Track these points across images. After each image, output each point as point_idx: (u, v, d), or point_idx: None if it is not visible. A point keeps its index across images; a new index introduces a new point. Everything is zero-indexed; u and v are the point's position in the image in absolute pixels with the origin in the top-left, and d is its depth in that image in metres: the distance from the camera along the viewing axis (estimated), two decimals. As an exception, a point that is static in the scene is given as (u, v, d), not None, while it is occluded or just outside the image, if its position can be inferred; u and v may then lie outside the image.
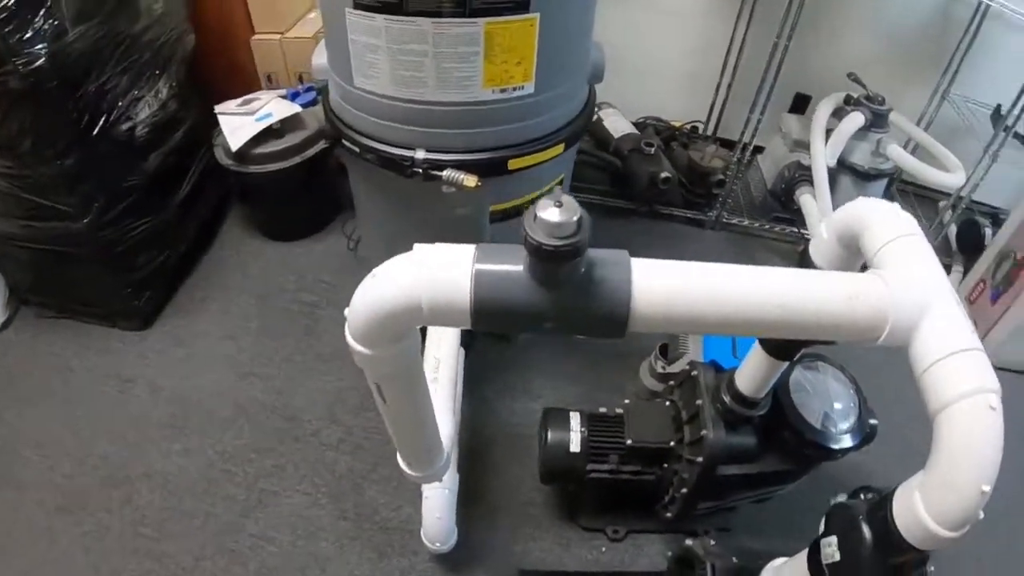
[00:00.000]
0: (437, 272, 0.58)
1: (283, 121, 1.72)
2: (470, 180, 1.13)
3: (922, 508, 0.59)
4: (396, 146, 1.18)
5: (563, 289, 0.56)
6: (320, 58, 1.29)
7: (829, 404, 1.09)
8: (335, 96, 1.29)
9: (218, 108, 1.76)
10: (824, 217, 1.75)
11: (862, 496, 0.72)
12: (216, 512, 1.30)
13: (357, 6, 1.04)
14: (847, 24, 2.08)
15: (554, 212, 0.52)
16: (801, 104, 2.21)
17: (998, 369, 0.57)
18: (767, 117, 1.87)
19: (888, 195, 2.17)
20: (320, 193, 1.90)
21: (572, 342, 1.64)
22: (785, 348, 0.92)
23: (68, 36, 1.27)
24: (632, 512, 1.32)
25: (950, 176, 1.76)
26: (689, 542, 1.13)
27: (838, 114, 1.85)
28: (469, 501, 1.29)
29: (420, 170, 1.16)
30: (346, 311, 0.63)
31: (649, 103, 2.32)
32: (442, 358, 1.24)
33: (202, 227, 1.85)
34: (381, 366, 0.66)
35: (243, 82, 1.92)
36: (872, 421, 1.09)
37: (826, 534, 0.73)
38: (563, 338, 1.65)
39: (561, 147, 1.26)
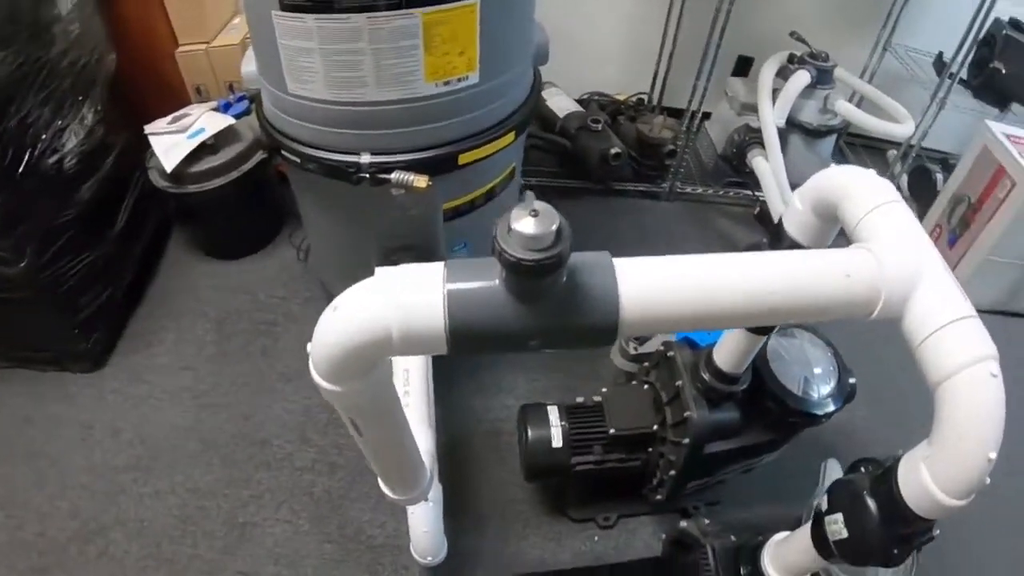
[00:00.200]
0: (405, 297, 0.52)
1: (217, 135, 1.63)
2: (420, 181, 1.08)
3: (929, 480, 0.58)
4: (339, 152, 1.12)
5: (545, 302, 0.52)
6: (249, 65, 1.21)
7: (809, 369, 1.09)
8: (269, 105, 1.21)
9: (148, 128, 1.66)
10: (777, 177, 1.76)
11: (862, 469, 0.70)
12: (198, 552, 1.24)
13: (284, 7, 0.97)
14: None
15: (529, 223, 0.47)
16: (744, 66, 2.21)
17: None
18: (712, 83, 1.86)
19: (836, 149, 2.19)
20: (263, 206, 1.82)
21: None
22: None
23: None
24: (620, 497, 1.31)
25: (900, 127, 1.78)
26: (684, 523, 1.12)
27: (783, 73, 1.85)
28: (455, 508, 1.26)
29: (367, 175, 1.10)
30: (308, 346, 0.58)
31: (591, 79, 2.28)
32: (411, 367, 1.19)
33: (144, 255, 1.76)
34: (352, 401, 0.61)
35: (172, 98, 1.82)
36: (851, 380, 1.09)
37: (831, 511, 0.72)
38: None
39: (512, 135, 1.21)
